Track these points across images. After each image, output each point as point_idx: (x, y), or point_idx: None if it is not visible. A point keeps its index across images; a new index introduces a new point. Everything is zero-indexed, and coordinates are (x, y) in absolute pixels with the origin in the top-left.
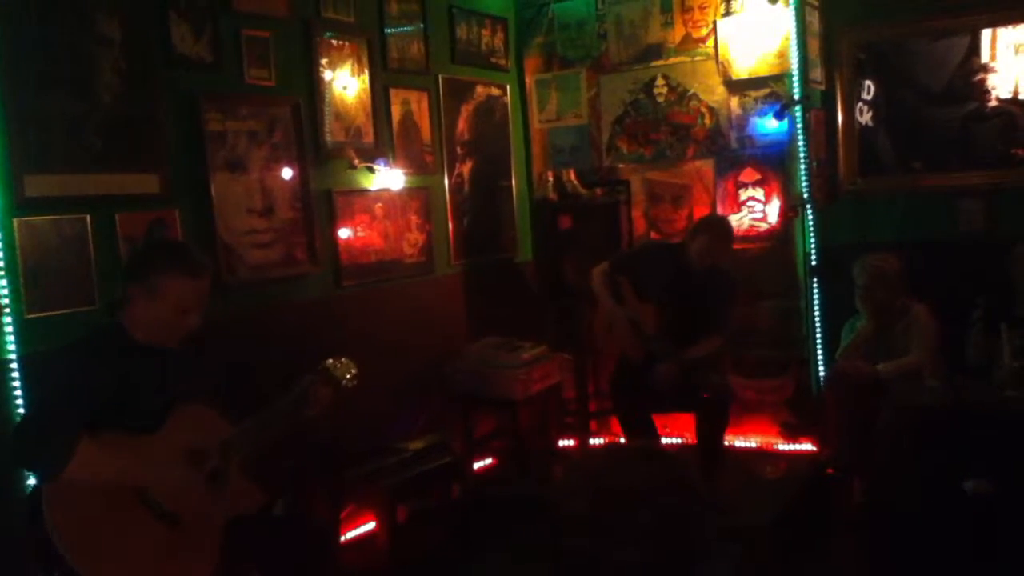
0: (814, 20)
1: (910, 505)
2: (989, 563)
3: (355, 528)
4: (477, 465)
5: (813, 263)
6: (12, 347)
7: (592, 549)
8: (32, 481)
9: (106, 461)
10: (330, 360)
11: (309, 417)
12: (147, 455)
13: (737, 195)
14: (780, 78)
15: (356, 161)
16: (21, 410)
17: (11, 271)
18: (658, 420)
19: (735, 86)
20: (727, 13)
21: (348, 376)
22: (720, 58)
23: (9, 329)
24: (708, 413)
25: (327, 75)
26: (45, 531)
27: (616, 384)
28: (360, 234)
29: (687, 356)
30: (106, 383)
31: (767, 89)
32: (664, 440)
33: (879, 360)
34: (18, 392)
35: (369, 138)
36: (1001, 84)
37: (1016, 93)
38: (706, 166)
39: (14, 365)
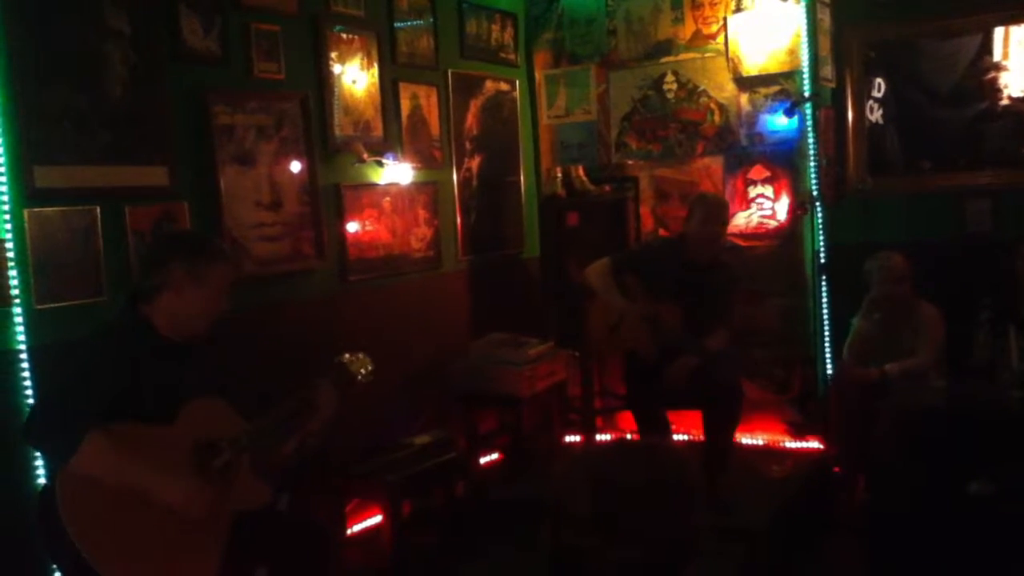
0: (825, 17)
1: (913, 505)
2: (992, 564)
3: (359, 523)
4: (482, 461)
5: (822, 261)
6: (21, 338)
7: (591, 546)
8: (43, 479)
9: (112, 459)
10: (347, 355)
11: (319, 423)
12: (155, 455)
13: (746, 192)
14: (790, 75)
15: (364, 155)
16: (30, 400)
17: (21, 262)
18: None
19: (745, 83)
20: (738, 9)
21: (364, 371)
22: (730, 55)
23: (19, 320)
24: (718, 411)
25: (336, 69)
26: (57, 522)
27: (630, 380)
28: (368, 228)
29: (709, 348)
30: (125, 375)
31: (777, 86)
32: (674, 436)
33: (885, 359)
34: (27, 383)
35: (378, 132)
36: (1013, 83)
37: None
38: (715, 163)
39: (24, 356)
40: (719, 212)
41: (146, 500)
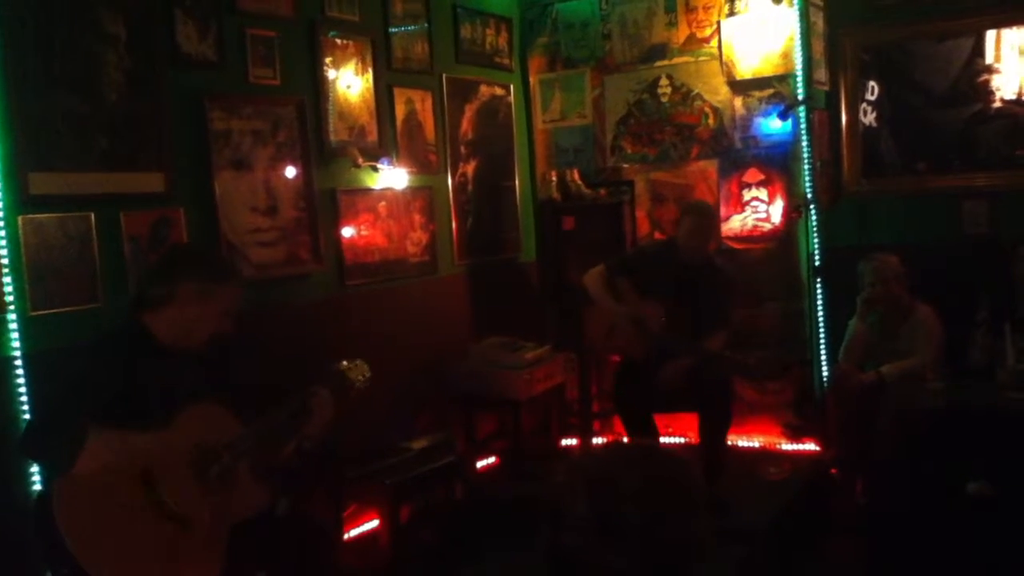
0: (818, 20)
1: (911, 506)
2: (989, 565)
3: (358, 527)
4: (480, 464)
5: (816, 264)
6: (16, 344)
7: (590, 549)
8: (39, 487)
9: (114, 447)
10: (344, 362)
11: (316, 427)
12: (156, 443)
13: (741, 196)
14: (784, 78)
15: (360, 160)
16: (26, 407)
17: (16, 269)
18: (662, 420)
19: (739, 86)
20: (731, 13)
21: (362, 378)
22: (724, 58)
23: (13, 327)
24: (712, 412)
25: (331, 74)
26: (53, 530)
27: (619, 384)
28: (364, 233)
29: (706, 348)
30: (120, 380)
31: (771, 89)
32: (668, 440)
33: (882, 361)
34: (22, 389)
35: (373, 137)
36: (1005, 85)
37: (1020, 94)
38: (710, 166)
39: (18, 363)
40: (708, 214)
41: (150, 498)
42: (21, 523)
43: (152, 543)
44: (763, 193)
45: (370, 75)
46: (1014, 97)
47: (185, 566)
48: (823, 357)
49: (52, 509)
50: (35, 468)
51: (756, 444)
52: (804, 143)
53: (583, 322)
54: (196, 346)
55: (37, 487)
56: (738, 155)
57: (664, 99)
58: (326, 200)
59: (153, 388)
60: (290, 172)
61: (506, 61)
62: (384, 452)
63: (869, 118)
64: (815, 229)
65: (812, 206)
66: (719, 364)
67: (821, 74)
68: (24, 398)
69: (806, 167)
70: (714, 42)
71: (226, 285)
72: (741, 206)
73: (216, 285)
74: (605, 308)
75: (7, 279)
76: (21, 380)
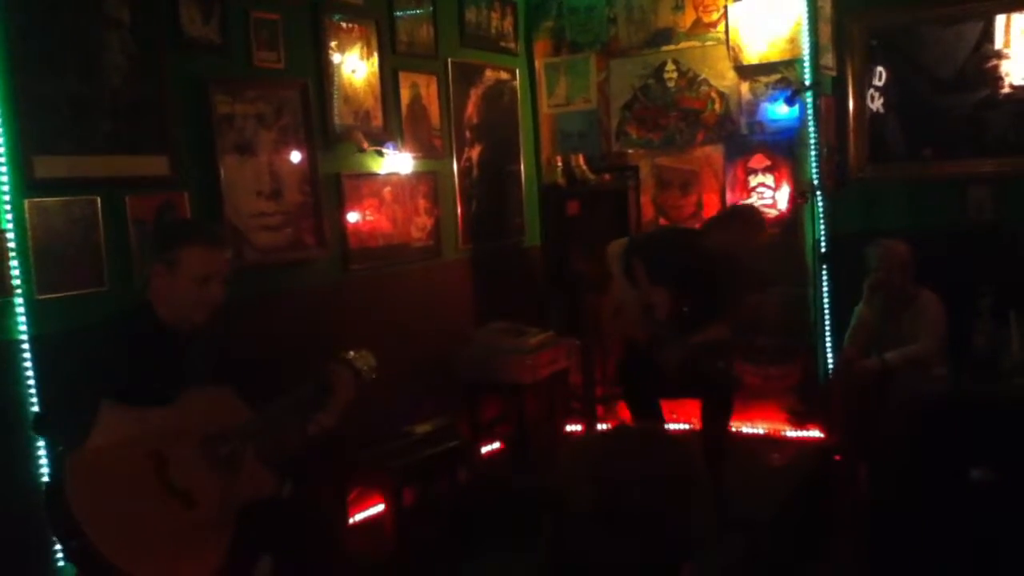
0: (826, 5)
1: (914, 493)
2: (992, 552)
3: (362, 511)
4: (484, 449)
5: (822, 250)
6: (23, 328)
7: (591, 538)
8: (45, 468)
9: (125, 424)
10: (351, 352)
11: (336, 407)
12: (166, 424)
13: (746, 181)
14: (791, 64)
15: (365, 145)
16: (33, 390)
17: (22, 252)
18: (666, 406)
19: (746, 71)
20: None
21: (367, 368)
22: (731, 43)
23: (20, 310)
24: (712, 401)
25: (336, 58)
26: (67, 511)
27: (624, 367)
28: (368, 218)
29: (691, 341)
30: (135, 364)
31: (778, 75)
32: (672, 426)
33: (886, 347)
34: (29, 372)
35: (378, 122)
36: (1015, 71)
37: None
38: (716, 152)
39: (25, 346)
40: (760, 227)
41: (159, 477)
42: (28, 502)
43: (161, 523)
44: (769, 179)
45: (375, 59)
46: (1023, 83)
47: (192, 547)
48: (828, 343)
49: (64, 487)
50: (42, 453)
51: (760, 431)
52: (810, 129)
53: (585, 305)
54: (196, 322)
55: (44, 468)
56: (744, 141)
57: (670, 84)
58: (330, 185)
59: (162, 370)
60: (294, 156)
61: (511, 45)
62: (388, 437)
63: (876, 104)
64: (821, 215)
65: (818, 192)
66: (715, 353)
67: (828, 59)
68: (31, 381)
69: (812, 153)
70: (721, 27)
71: (216, 248)
72: (747, 192)
73: (176, 252)
74: (619, 286)
75: (13, 263)
76: (28, 363)
